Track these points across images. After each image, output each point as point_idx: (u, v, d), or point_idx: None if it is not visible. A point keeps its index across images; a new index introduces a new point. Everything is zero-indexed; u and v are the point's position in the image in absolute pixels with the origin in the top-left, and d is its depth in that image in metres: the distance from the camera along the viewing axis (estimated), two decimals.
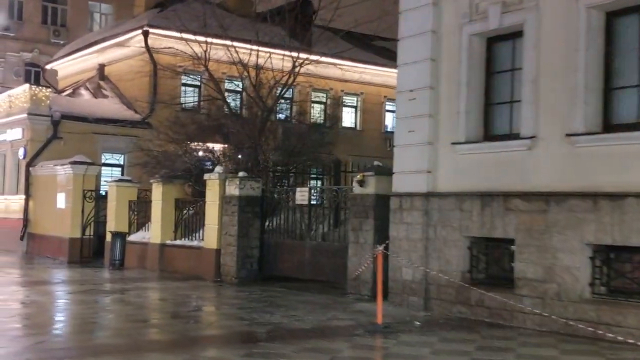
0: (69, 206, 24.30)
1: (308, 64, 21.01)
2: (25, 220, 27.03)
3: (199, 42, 22.66)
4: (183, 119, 22.43)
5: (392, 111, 36.58)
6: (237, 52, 20.99)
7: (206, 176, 18.24)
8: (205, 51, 21.10)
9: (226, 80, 30.11)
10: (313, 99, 33.03)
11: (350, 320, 11.39)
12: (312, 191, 16.54)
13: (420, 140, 12.30)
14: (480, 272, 11.77)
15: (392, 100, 35.58)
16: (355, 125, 34.65)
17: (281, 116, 23.92)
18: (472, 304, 11.51)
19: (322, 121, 32.97)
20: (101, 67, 31.66)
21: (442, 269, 11.87)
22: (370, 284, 13.60)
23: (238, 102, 27.65)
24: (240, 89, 26.45)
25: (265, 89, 21.29)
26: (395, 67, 33.55)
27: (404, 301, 12.44)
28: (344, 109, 34.22)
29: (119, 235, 20.33)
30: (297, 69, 20.69)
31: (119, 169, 28.49)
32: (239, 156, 19.49)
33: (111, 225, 21.89)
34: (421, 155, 12.31)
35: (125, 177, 22.27)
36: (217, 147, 30.49)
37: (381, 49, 37.08)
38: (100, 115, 28.60)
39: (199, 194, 20.74)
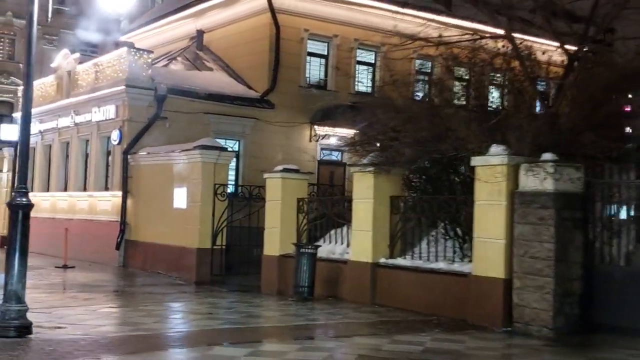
0: (194, 205, 17.04)
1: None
2: (123, 224, 19.74)
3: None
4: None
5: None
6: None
7: (477, 160, 10.86)
8: None
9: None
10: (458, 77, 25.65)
11: None
12: None
13: None
14: None
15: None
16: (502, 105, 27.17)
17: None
18: None
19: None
20: (199, 34, 24.39)
21: None
22: None
23: None
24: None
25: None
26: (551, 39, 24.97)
27: None
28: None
29: (306, 251, 12.97)
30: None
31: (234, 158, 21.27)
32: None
33: (273, 234, 14.62)
34: None
35: (291, 167, 14.97)
36: (348, 131, 23.33)
37: (518, 19, 29.72)
38: (214, 90, 21.37)
39: (413, 188, 13.56)
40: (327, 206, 14.32)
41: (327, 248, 13.61)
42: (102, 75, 21.14)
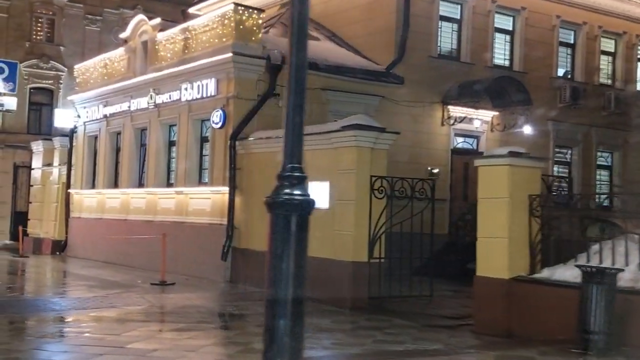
0: (345, 204, 12.54)
1: None
2: (230, 229, 15.15)
3: None
4: None
5: None
6: None
7: None
8: None
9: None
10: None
11: None
12: None
13: None
14: None
15: None
16: None
17: None
18: None
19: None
20: None
21: None
22: None
23: None
24: None
25: None
26: None
27: None
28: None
29: (603, 277, 8.18)
30: None
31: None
32: None
33: (495, 247, 9.96)
34: None
35: (518, 149, 10.23)
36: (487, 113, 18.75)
37: None
38: (334, 61, 16.75)
39: None
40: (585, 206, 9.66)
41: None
42: (195, 43, 16.55)
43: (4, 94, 12.52)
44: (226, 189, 15.22)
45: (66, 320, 9.82)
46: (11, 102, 12.74)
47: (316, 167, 13.20)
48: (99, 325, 9.58)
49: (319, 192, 13.10)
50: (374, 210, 12.32)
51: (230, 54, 15.10)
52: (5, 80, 12.18)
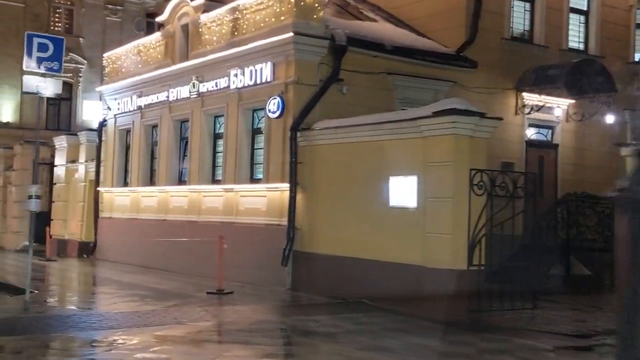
0: (439, 202, 10.79)
1: None
2: (292, 230, 13.41)
3: None
4: None
5: None
6: None
7: None
8: None
9: None
10: None
11: None
12: None
13: None
14: None
15: None
16: None
17: None
18: None
19: None
20: None
21: None
22: None
23: None
24: None
25: None
26: None
27: None
28: None
29: None
30: None
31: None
32: None
33: None
34: None
35: None
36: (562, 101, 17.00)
37: None
38: (400, 43, 15.05)
39: None
40: None
41: None
42: (246, 23, 14.83)
43: (47, 76, 10.78)
44: (286, 185, 13.50)
45: (132, 342, 8.10)
46: (56, 85, 11.01)
47: (400, 159, 11.58)
48: (175, 349, 7.87)
49: (405, 188, 11.43)
50: (473, 208, 10.61)
51: (291, 34, 13.36)
52: (50, 59, 10.48)
